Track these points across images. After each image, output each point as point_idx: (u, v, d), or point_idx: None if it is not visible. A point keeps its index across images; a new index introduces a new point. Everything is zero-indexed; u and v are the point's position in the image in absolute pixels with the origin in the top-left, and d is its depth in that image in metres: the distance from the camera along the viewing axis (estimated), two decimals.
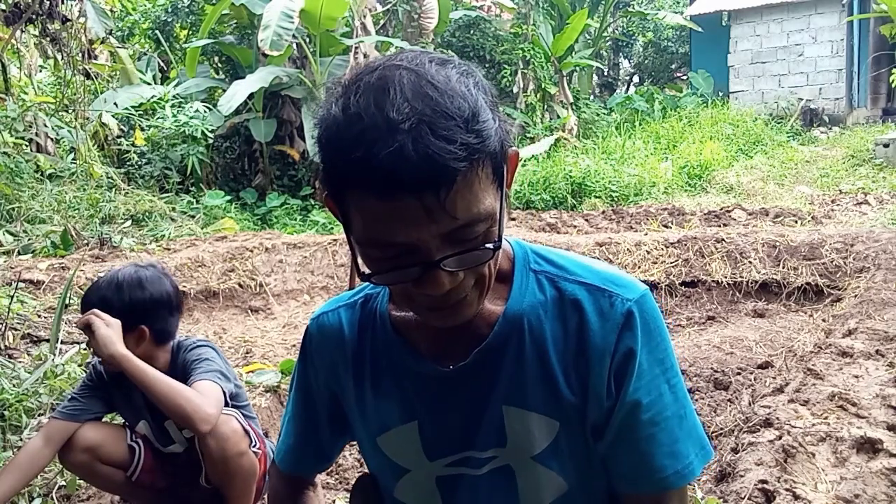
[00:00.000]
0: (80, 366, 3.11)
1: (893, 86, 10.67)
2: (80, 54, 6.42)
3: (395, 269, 0.87)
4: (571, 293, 1.00)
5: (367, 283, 1.12)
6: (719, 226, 6.35)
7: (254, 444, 2.07)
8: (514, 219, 7.51)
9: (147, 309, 2.02)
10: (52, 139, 7.21)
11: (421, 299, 0.91)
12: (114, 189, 6.95)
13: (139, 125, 8.00)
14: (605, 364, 0.97)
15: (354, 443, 2.92)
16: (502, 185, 0.88)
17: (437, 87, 0.81)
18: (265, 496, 2.38)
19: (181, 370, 2.06)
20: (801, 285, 4.84)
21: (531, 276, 1.03)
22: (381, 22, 10.16)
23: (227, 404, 2.04)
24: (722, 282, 5.04)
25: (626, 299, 0.98)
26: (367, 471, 1.24)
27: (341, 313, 1.13)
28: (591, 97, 14.95)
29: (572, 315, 0.99)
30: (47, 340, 3.37)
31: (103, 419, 2.25)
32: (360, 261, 0.91)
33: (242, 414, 2.14)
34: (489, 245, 0.86)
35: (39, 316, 3.87)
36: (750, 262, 5.06)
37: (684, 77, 16.62)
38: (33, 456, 1.99)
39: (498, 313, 1.01)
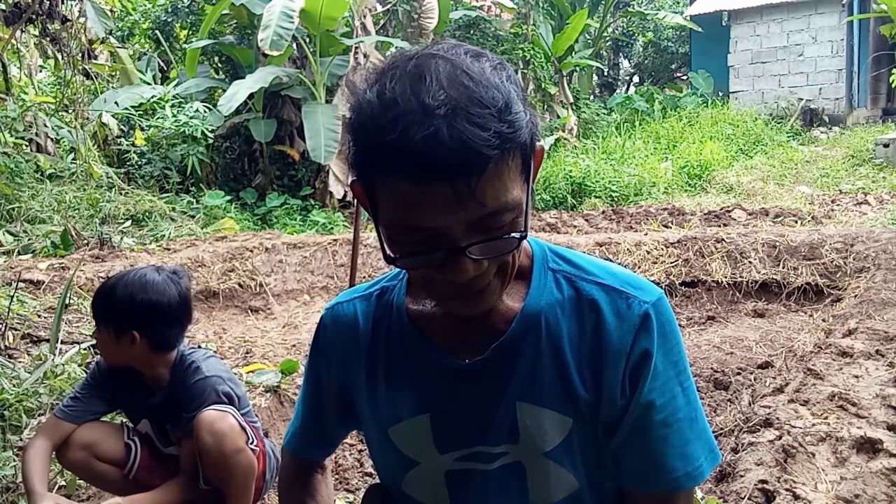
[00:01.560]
0: (80, 366, 3.10)
1: (893, 86, 10.68)
2: (80, 54, 6.43)
3: (419, 254, 0.88)
4: (589, 293, 1.01)
5: (383, 276, 1.14)
6: (719, 226, 6.35)
7: (251, 440, 2.07)
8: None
9: (139, 315, 1.99)
10: (52, 139, 7.21)
11: (443, 286, 0.92)
12: (114, 189, 6.95)
13: (139, 125, 8.00)
14: (621, 364, 0.98)
15: (354, 443, 2.91)
16: (529, 177, 0.90)
17: (472, 77, 0.83)
18: (265, 497, 2.39)
19: (179, 395, 2.06)
20: (801, 285, 4.84)
21: (549, 275, 1.04)
22: (381, 22, 10.16)
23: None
24: (722, 282, 5.04)
25: (643, 301, 0.99)
26: (368, 471, 1.24)
27: (356, 304, 1.14)
28: (591, 97, 14.96)
29: (589, 315, 1.00)
30: (47, 340, 3.37)
31: (104, 417, 2.26)
32: (385, 245, 0.92)
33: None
34: (515, 234, 0.88)
35: (39, 316, 3.87)
36: (750, 262, 5.06)
37: (684, 77, 16.63)
38: (41, 447, 2.02)
39: (516, 310, 1.02)
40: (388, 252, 0.91)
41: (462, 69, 0.83)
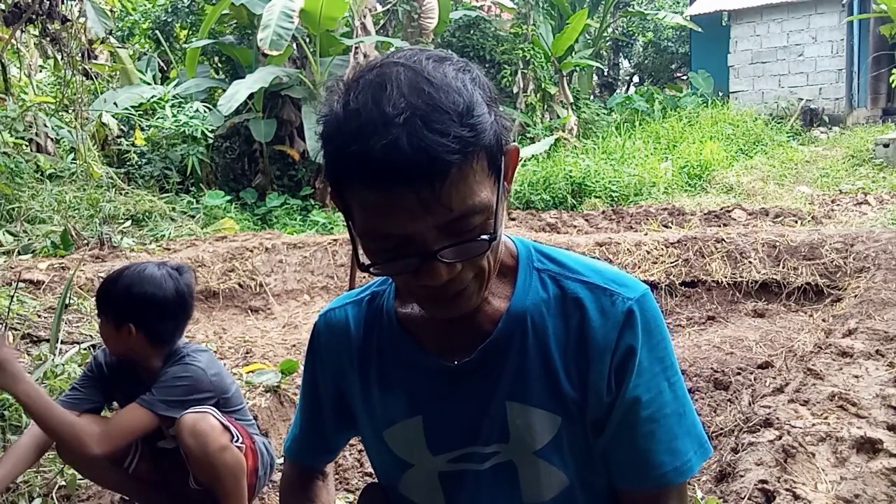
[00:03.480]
0: (80, 366, 3.10)
1: (893, 86, 10.68)
2: (80, 54, 6.43)
3: (393, 261, 0.89)
4: (573, 291, 1.02)
5: (374, 281, 1.14)
6: (719, 226, 6.35)
7: (235, 438, 2.07)
8: (513, 219, 7.51)
9: (135, 308, 2.01)
10: (52, 139, 7.20)
11: (420, 290, 0.93)
12: (114, 189, 6.95)
13: (139, 125, 8.00)
14: (606, 361, 0.98)
15: (354, 443, 2.91)
16: (500, 178, 0.90)
17: (433, 83, 0.83)
18: (263, 496, 2.39)
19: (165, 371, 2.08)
20: (801, 285, 4.84)
21: (534, 274, 1.04)
22: (381, 22, 10.16)
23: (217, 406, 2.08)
24: (722, 282, 5.04)
25: (627, 298, 1.00)
26: (368, 471, 1.25)
27: (348, 310, 1.15)
28: (591, 97, 14.96)
29: (574, 313, 1.01)
30: (47, 340, 3.37)
31: (102, 413, 2.27)
32: (360, 253, 0.93)
33: (235, 417, 2.14)
34: (485, 237, 0.88)
35: (39, 316, 3.87)
36: (750, 262, 5.06)
37: (684, 77, 16.62)
38: (36, 438, 2.02)
39: (502, 310, 1.02)
40: (363, 260, 0.92)
41: (423, 75, 0.84)
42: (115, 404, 2.32)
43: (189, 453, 1.99)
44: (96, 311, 2.10)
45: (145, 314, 2.02)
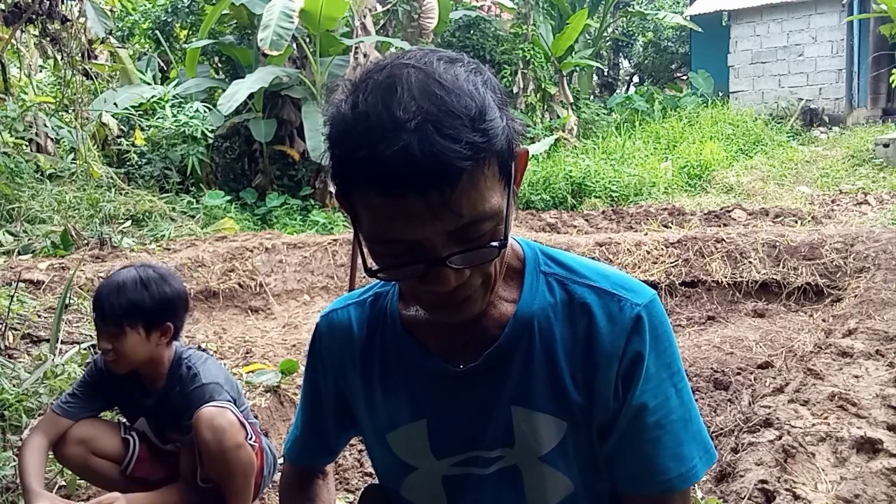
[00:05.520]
0: (80, 366, 3.10)
1: (893, 86, 10.67)
2: (80, 54, 6.43)
3: (401, 266, 0.88)
4: (581, 296, 1.01)
5: (377, 281, 1.12)
6: (719, 226, 6.35)
7: (250, 437, 2.08)
8: (514, 219, 7.50)
9: (173, 305, 2.04)
10: (52, 139, 7.20)
11: (427, 296, 0.91)
12: (114, 189, 6.94)
13: (139, 125, 8.00)
14: (613, 367, 0.98)
15: (354, 443, 2.91)
16: (510, 183, 0.89)
17: (445, 86, 0.81)
18: (263, 495, 2.39)
19: (176, 400, 2.07)
20: (801, 285, 4.84)
21: (541, 278, 1.03)
22: (381, 22, 10.15)
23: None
24: (722, 282, 5.04)
25: (634, 304, 0.99)
26: (368, 471, 1.25)
27: (351, 311, 1.14)
28: (591, 97, 14.94)
29: (581, 318, 1.00)
30: (47, 340, 3.37)
31: (100, 415, 2.26)
32: (367, 257, 0.91)
33: None
34: (495, 243, 0.87)
35: (39, 316, 3.87)
36: (750, 262, 5.06)
37: (684, 77, 16.62)
38: (38, 444, 2.03)
39: (508, 315, 1.01)
40: (370, 264, 0.90)
41: (434, 78, 0.81)
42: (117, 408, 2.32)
43: (205, 448, 1.99)
44: (115, 326, 1.98)
45: (179, 310, 2.07)
